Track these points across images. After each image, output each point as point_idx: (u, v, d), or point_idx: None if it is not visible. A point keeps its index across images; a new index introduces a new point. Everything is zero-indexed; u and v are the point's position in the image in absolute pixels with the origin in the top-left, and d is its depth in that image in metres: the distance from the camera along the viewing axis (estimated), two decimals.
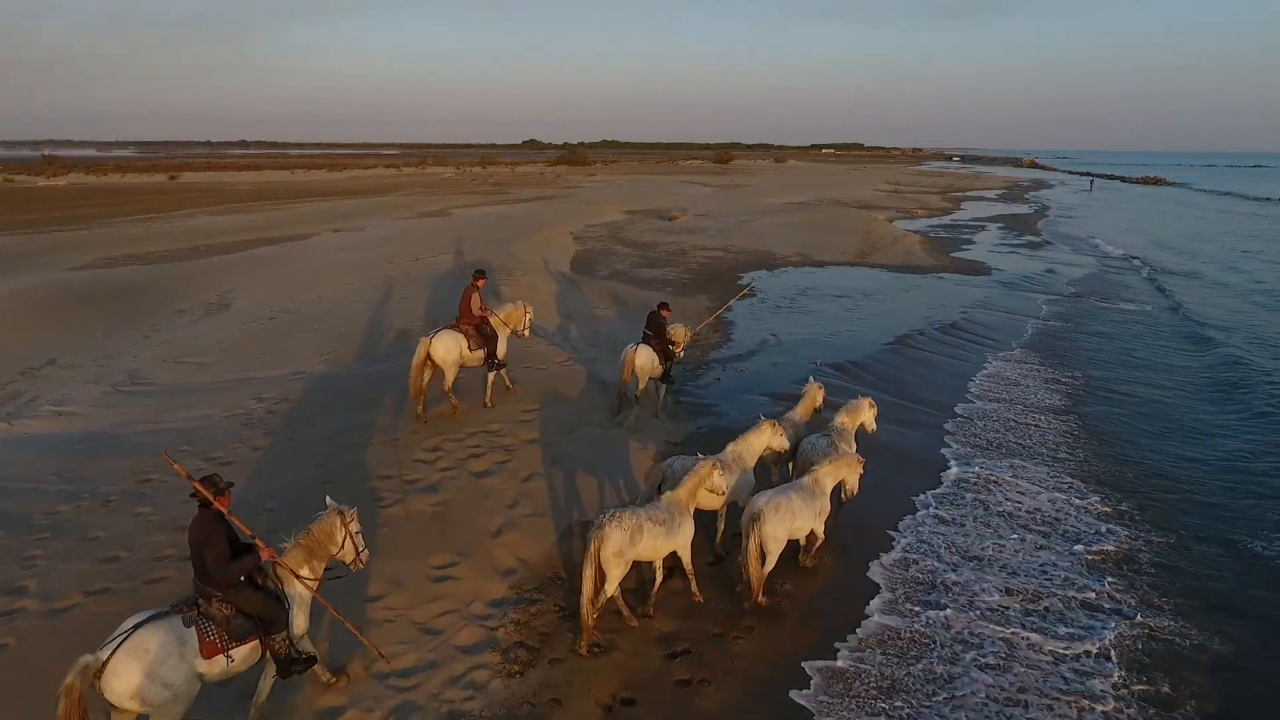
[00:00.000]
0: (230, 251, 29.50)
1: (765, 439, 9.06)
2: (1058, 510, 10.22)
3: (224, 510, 5.61)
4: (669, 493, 7.84)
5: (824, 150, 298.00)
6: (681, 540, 7.71)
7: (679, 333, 13.45)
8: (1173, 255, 36.91)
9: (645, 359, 12.40)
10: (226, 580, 5.56)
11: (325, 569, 6.21)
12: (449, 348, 11.22)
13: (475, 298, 11.75)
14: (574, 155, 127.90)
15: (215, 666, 5.54)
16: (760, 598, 8.00)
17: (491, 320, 11.92)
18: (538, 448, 10.59)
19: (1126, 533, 9.65)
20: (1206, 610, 8.12)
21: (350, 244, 29.36)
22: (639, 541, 7.28)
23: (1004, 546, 9.30)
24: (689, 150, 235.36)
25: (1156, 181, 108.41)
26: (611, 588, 7.31)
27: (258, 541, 5.81)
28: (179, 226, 38.06)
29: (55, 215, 42.60)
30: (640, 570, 7.77)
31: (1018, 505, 10.33)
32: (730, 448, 8.89)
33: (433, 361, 11.20)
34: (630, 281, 25.17)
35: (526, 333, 12.62)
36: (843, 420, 9.82)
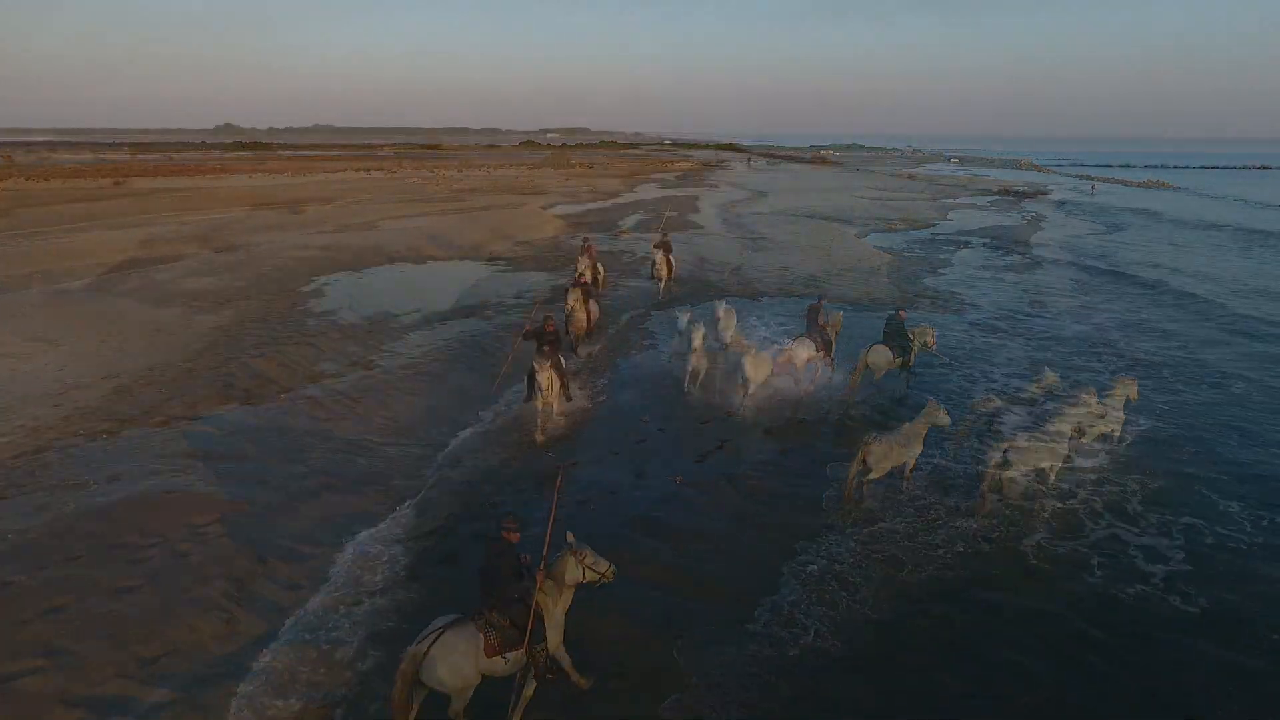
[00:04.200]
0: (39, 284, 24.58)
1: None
2: None
3: (514, 541, 7.19)
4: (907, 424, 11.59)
5: (822, 151, 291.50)
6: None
7: (924, 330, 16.41)
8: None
9: (877, 357, 15.56)
10: (508, 596, 7.00)
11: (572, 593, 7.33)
12: (803, 354, 15.52)
13: (820, 316, 16.26)
14: (557, 157, 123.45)
15: (494, 665, 6.94)
16: None
17: (827, 330, 16.23)
18: None
19: None
20: None
21: (184, 274, 24.40)
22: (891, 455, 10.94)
23: None
24: (684, 152, 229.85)
25: (1159, 184, 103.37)
26: (878, 474, 10.97)
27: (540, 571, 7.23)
28: (35, 246, 33.01)
29: None
30: None
31: None
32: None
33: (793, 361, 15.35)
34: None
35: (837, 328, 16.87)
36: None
